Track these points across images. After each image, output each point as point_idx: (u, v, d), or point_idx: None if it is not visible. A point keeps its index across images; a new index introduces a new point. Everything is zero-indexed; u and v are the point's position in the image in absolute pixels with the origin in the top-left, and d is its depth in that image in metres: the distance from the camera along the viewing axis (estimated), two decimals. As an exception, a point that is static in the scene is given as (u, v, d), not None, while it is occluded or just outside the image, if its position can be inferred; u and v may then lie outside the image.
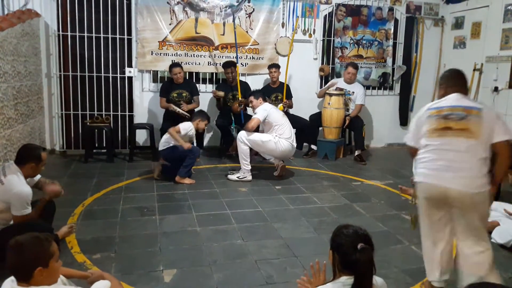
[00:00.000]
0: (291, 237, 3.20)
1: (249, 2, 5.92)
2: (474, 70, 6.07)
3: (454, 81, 2.40)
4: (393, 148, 6.92)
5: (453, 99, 2.31)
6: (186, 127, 4.59)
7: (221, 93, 5.54)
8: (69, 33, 5.39)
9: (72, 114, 5.59)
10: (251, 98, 4.82)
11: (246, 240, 3.12)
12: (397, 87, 6.89)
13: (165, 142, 4.55)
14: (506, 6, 5.54)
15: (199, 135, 5.55)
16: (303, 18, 6.19)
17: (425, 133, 2.31)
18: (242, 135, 4.56)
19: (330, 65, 6.47)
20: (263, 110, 4.60)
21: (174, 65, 5.44)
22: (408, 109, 6.96)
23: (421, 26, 6.71)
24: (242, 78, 5.84)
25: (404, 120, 6.95)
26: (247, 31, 5.97)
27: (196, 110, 5.31)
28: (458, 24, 6.51)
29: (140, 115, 5.86)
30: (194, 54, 5.85)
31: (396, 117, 6.97)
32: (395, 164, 5.79)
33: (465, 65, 6.21)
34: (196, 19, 5.79)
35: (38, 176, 2.84)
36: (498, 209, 3.43)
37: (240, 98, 5.42)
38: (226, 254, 2.89)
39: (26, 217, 2.55)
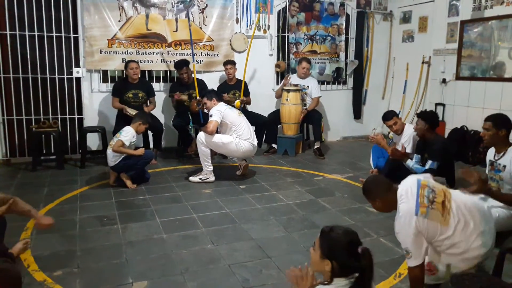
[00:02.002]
0: (261, 238, 3.14)
1: (202, -3, 5.77)
2: (423, 63, 6.31)
3: None
4: (348, 141, 7.06)
5: None
6: (129, 136, 4.29)
7: (185, 97, 5.36)
8: (8, 32, 4.97)
9: (15, 120, 5.17)
10: (205, 99, 4.65)
11: (216, 244, 3.02)
12: (350, 82, 7.03)
13: (113, 157, 4.26)
14: (451, 1, 5.78)
15: (157, 136, 5.36)
16: (257, 14, 6.13)
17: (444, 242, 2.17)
18: (202, 136, 4.42)
19: (286, 61, 6.46)
20: (217, 111, 4.46)
21: (130, 60, 5.21)
22: (361, 103, 7.13)
23: (371, 21, 6.88)
24: (198, 76, 5.70)
25: (357, 114, 7.10)
26: (201, 27, 5.82)
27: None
28: (406, 18, 6.74)
29: (91, 118, 5.55)
30: (146, 52, 5.61)
31: (350, 111, 7.11)
32: (352, 157, 5.91)
33: (414, 58, 6.50)
34: (147, 15, 5.55)
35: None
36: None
37: (197, 97, 5.27)
38: (197, 260, 2.78)
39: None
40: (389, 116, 4.52)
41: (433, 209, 2.12)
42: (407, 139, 4.36)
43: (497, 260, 2.34)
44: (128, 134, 4.30)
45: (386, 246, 3.02)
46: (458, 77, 5.75)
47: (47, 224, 2.57)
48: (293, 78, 6.03)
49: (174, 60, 5.66)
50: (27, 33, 5.06)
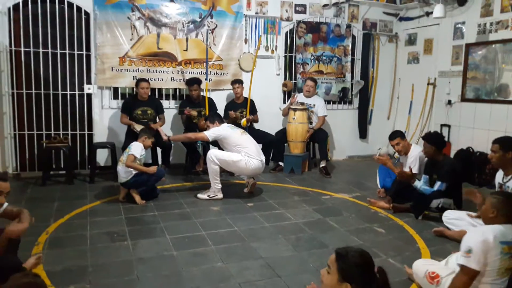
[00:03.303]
0: (271, 256, 3.15)
1: (212, 18, 5.90)
2: (428, 84, 6.39)
3: None
4: (354, 161, 7.10)
5: None
6: (139, 150, 4.36)
7: (195, 112, 5.45)
8: (22, 49, 5.10)
9: (26, 134, 5.26)
10: (208, 123, 4.75)
11: (226, 262, 3.05)
12: (356, 101, 7.11)
13: (124, 173, 4.31)
14: (456, 25, 5.90)
15: (166, 152, 5.42)
16: (265, 35, 6.26)
17: (493, 270, 2.25)
18: (212, 154, 4.48)
19: (293, 81, 6.56)
20: (213, 131, 4.56)
21: (142, 79, 5.31)
22: (367, 122, 7.19)
23: (377, 42, 6.99)
24: (207, 94, 5.79)
25: (363, 133, 7.16)
26: (210, 47, 5.93)
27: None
28: (411, 40, 6.85)
29: (100, 134, 5.62)
30: (156, 70, 5.72)
31: (355, 130, 7.17)
32: (358, 176, 5.94)
33: (419, 79, 6.58)
34: (158, 35, 5.68)
35: (5, 205, 2.61)
36: (464, 218, 3.58)
37: (206, 115, 5.35)
38: (208, 278, 2.80)
39: (-9, 253, 2.33)
40: (393, 136, 4.59)
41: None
42: (413, 160, 4.40)
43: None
44: (137, 148, 4.37)
45: (395, 266, 3.03)
46: (463, 99, 5.82)
47: (19, 231, 2.44)
48: (300, 97, 6.12)
49: (183, 79, 5.77)
50: (41, 50, 5.18)
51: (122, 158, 4.38)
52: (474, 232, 2.34)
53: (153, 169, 4.32)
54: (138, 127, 5.03)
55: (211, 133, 4.54)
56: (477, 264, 2.20)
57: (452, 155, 5.65)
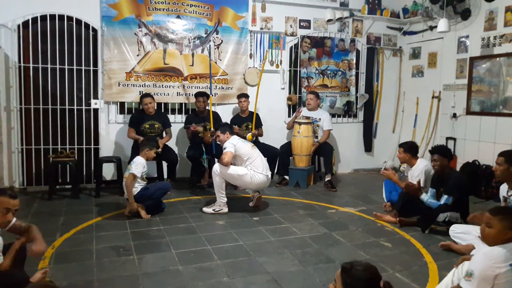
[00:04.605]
0: (277, 271, 3.14)
1: (217, 33, 5.98)
2: (433, 97, 6.40)
3: None
4: (359, 174, 7.08)
5: None
6: (140, 168, 4.35)
7: (200, 129, 5.49)
8: (31, 65, 5.19)
9: (33, 149, 5.31)
10: (218, 132, 4.75)
11: (232, 277, 3.03)
12: (361, 115, 7.12)
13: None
14: (460, 38, 5.93)
15: (172, 166, 5.44)
16: (270, 50, 6.33)
17: None
18: (217, 168, 4.49)
19: (298, 95, 6.60)
20: (230, 144, 4.55)
21: (145, 95, 5.36)
22: (372, 136, 7.19)
23: (381, 56, 7.03)
24: (212, 108, 5.83)
25: (368, 147, 7.16)
26: (216, 62, 6.00)
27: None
28: (416, 54, 6.89)
29: (106, 148, 5.67)
30: (162, 85, 5.78)
31: (360, 144, 7.16)
32: (364, 189, 5.91)
33: (424, 93, 6.60)
34: (165, 50, 5.76)
35: (14, 220, 2.62)
36: (471, 232, 3.55)
37: (211, 129, 5.38)
38: (214, 293, 2.79)
39: (-1, 267, 2.34)
40: (401, 145, 4.64)
41: None
42: (419, 173, 4.39)
43: None
44: (138, 166, 4.35)
45: (402, 281, 3.00)
46: (468, 112, 5.81)
47: (40, 250, 2.54)
48: (305, 111, 6.15)
49: (190, 93, 5.83)
50: (49, 66, 5.26)
51: (126, 174, 4.40)
52: (482, 255, 2.22)
53: (133, 206, 4.30)
54: None
55: (230, 148, 4.48)
56: None
57: (458, 168, 5.63)
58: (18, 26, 5.09)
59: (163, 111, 5.82)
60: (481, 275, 2.12)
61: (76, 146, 5.47)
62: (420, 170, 4.40)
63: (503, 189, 3.45)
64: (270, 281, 2.97)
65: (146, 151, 4.50)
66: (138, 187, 4.32)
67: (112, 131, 5.69)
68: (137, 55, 5.63)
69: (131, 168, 4.34)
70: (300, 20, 6.50)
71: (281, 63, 6.44)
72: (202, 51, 5.93)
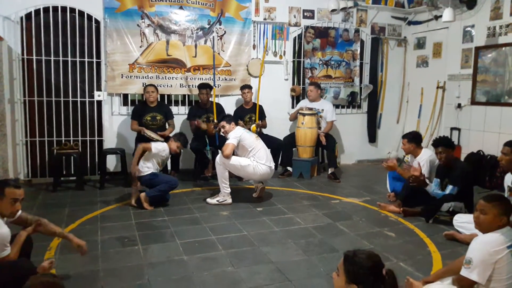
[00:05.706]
0: (281, 261, 3.15)
1: (220, 24, 5.95)
2: (438, 87, 6.36)
3: None
4: (363, 165, 7.06)
5: None
6: (159, 148, 4.53)
7: (204, 126, 5.48)
8: (34, 57, 5.18)
9: (37, 141, 5.33)
10: (223, 123, 4.73)
11: (236, 266, 3.05)
12: (365, 106, 7.09)
13: (142, 168, 4.43)
14: (465, 28, 5.87)
15: (175, 158, 5.45)
16: (273, 40, 6.29)
17: (504, 279, 2.18)
18: (220, 158, 4.50)
19: (301, 86, 6.57)
20: (234, 135, 4.55)
21: (149, 84, 5.38)
22: (376, 126, 7.16)
23: (386, 47, 6.98)
24: (215, 100, 5.82)
25: (372, 138, 7.13)
26: (219, 53, 5.97)
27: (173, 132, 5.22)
28: (420, 44, 6.83)
29: (110, 140, 5.68)
30: (166, 76, 5.77)
31: (364, 134, 7.14)
32: (367, 180, 5.91)
33: (428, 83, 6.55)
34: (167, 42, 5.73)
35: (19, 212, 2.64)
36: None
37: (215, 120, 5.38)
38: (218, 283, 2.80)
39: (6, 258, 2.36)
40: (404, 136, 4.66)
41: None
42: (424, 163, 4.37)
43: None
44: (160, 147, 4.55)
45: (406, 270, 3.01)
46: (473, 102, 5.77)
47: (82, 246, 2.78)
48: (306, 102, 6.11)
49: (192, 85, 5.81)
50: (52, 58, 5.26)
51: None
52: (479, 243, 2.24)
53: (146, 205, 4.36)
54: (149, 133, 5.07)
55: (233, 139, 4.49)
56: (476, 275, 2.16)
57: (462, 159, 5.60)
58: (21, 18, 5.08)
59: (166, 102, 5.81)
60: (481, 262, 2.15)
61: (80, 138, 5.48)
62: (425, 160, 4.39)
63: (508, 178, 3.44)
64: (274, 271, 2.99)
65: (171, 141, 4.63)
66: (150, 168, 4.41)
67: (115, 123, 5.70)
68: (140, 47, 5.61)
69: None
70: (304, 10, 6.45)
71: (284, 54, 6.41)
72: (205, 42, 5.90)
